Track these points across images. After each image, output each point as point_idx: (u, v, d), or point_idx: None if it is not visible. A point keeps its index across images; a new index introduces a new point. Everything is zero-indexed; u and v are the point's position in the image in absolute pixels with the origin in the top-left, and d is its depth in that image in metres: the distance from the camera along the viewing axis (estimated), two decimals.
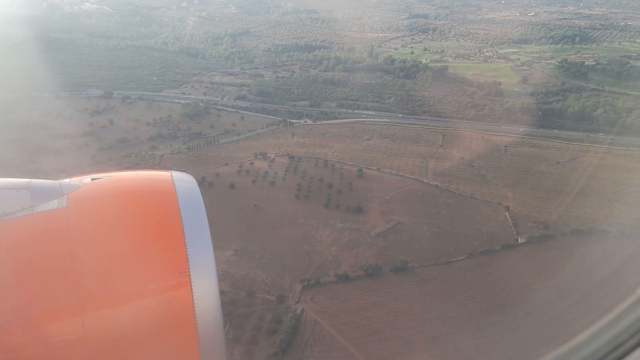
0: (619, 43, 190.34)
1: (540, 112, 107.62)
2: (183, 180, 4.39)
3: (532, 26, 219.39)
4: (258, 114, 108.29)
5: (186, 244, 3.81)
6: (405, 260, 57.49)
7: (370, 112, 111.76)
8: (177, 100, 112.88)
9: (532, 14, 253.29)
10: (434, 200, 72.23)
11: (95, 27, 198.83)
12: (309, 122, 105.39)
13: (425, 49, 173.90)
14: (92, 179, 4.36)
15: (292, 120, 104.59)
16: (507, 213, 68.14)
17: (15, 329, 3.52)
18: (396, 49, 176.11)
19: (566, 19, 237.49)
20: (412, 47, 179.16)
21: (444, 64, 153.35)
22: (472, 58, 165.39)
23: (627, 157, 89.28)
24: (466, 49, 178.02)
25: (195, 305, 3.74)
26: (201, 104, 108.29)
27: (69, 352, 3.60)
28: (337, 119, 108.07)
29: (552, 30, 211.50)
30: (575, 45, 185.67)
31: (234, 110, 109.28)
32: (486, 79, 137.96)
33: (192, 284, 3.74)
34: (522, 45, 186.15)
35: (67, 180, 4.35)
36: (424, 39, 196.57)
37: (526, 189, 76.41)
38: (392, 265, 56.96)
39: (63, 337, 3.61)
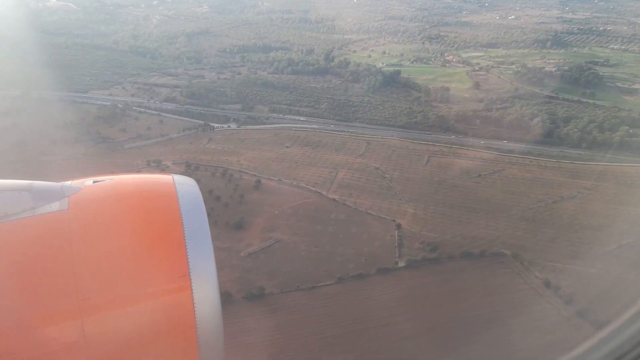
0: (590, 48, 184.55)
1: (478, 120, 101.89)
2: (185, 184, 4.35)
3: (506, 30, 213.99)
4: (181, 117, 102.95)
5: (187, 247, 3.79)
6: (262, 286, 51.95)
7: (302, 118, 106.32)
8: (99, 102, 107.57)
9: (513, 17, 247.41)
10: (325, 215, 66.70)
11: (56, 24, 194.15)
12: (233, 126, 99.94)
13: (384, 52, 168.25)
14: (94, 182, 4.33)
15: (214, 125, 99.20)
16: (396, 232, 62.52)
17: (14, 331, 3.47)
18: (355, 51, 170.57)
19: (546, 23, 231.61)
20: (373, 50, 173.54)
21: (397, 68, 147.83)
22: (430, 62, 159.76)
23: (555, 170, 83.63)
24: (429, 53, 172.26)
25: (195, 309, 3.71)
26: (119, 106, 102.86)
27: (68, 356, 3.53)
28: (265, 124, 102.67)
29: (526, 34, 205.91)
30: (544, 50, 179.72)
31: (156, 113, 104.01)
32: (436, 84, 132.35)
33: (193, 288, 3.70)
34: (488, 49, 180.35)
35: (68, 183, 4.30)
36: (390, 41, 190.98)
37: (431, 204, 70.82)
38: (248, 292, 51.44)
39: (62, 340, 3.53)
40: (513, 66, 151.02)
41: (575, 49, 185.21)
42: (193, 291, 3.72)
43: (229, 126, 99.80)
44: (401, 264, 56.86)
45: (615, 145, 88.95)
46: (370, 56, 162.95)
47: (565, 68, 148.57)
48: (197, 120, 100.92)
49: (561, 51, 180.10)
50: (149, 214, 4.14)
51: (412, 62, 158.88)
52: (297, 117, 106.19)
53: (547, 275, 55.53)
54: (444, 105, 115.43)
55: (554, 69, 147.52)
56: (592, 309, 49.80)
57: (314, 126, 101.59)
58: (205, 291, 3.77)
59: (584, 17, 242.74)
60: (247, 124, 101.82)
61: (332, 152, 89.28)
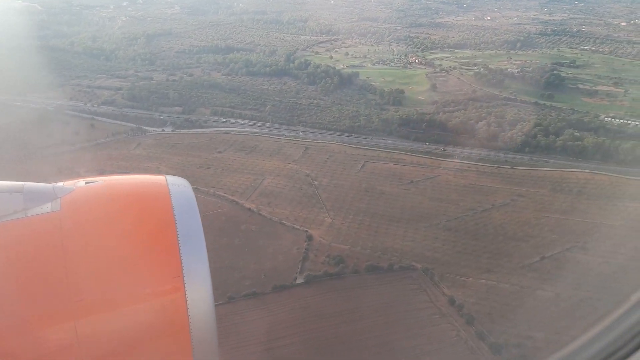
0: (558, 49, 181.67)
1: (424, 124, 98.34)
2: (178, 185, 4.31)
3: (479, 31, 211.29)
4: (115, 121, 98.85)
5: (180, 248, 3.77)
6: None
7: (245, 121, 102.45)
8: (33, 105, 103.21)
9: (489, 18, 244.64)
10: (234, 226, 62.84)
11: (19, 25, 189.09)
12: (168, 130, 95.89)
13: (347, 54, 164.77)
14: (87, 182, 4.29)
15: (148, 129, 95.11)
16: (305, 244, 58.70)
17: (8, 332, 3.44)
18: (318, 53, 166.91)
19: (521, 24, 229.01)
20: (337, 51, 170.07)
21: (357, 70, 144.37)
22: (392, 64, 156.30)
23: (493, 175, 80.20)
24: (393, 54, 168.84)
25: (188, 310, 3.68)
26: (50, 109, 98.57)
27: (61, 357, 3.51)
28: (203, 127, 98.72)
29: (497, 35, 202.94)
30: (511, 52, 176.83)
31: (89, 116, 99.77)
32: (394, 87, 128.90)
33: (186, 289, 3.68)
34: (456, 51, 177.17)
35: (60, 184, 4.26)
36: (357, 43, 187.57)
37: (352, 213, 67.12)
38: None
39: (55, 342, 3.51)
40: (475, 67, 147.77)
41: (544, 50, 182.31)
42: (186, 292, 3.66)
43: (163, 130, 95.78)
44: (300, 280, 53.04)
45: (558, 149, 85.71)
46: (332, 57, 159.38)
47: (529, 69, 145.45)
48: (131, 124, 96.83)
49: (529, 52, 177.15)
50: (142, 215, 4.08)
51: (374, 64, 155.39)
52: (239, 121, 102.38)
53: (455, 292, 51.92)
54: (394, 108, 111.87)
55: (517, 71, 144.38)
56: (493, 330, 46.25)
57: (254, 130, 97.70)
58: (198, 292, 3.71)
59: (560, 19, 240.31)
60: (184, 127, 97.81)
61: (266, 158, 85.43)
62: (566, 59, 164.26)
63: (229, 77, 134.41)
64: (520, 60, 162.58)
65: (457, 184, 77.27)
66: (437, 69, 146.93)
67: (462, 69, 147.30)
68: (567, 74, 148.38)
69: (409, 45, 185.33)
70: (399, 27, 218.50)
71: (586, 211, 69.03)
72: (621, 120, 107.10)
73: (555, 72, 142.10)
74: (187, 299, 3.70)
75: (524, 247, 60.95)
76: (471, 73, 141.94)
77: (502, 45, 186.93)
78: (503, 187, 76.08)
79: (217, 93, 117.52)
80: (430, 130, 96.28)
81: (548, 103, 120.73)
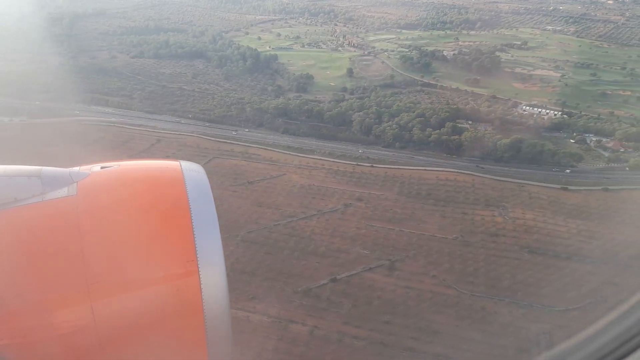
0: (517, 29, 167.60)
1: (304, 115, 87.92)
2: (192, 170, 4.31)
3: (441, 9, 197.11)
4: None
5: (194, 232, 3.74)
6: None
7: (111, 109, 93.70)
8: None
9: None
10: None
11: None
12: (17, 120, 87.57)
13: (279, 35, 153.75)
14: (102, 167, 4.31)
15: None
16: None
17: (25, 314, 3.51)
18: (248, 33, 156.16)
19: (496, 2, 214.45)
20: (272, 32, 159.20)
21: (282, 52, 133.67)
22: (324, 46, 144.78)
23: (346, 175, 70.04)
24: (334, 35, 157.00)
25: (202, 293, 3.67)
26: None
27: (78, 338, 3.56)
28: (62, 116, 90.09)
29: (461, 14, 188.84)
30: (464, 31, 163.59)
31: None
32: (312, 71, 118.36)
33: (200, 273, 3.67)
34: (404, 31, 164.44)
35: (77, 169, 4.27)
36: (301, 23, 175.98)
37: None
38: None
39: (72, 323, 3.56)
40: (407, 50, 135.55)
41: (502, 30, 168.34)
42: (200, 275, 3.66)
43: (11, 120, 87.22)
44: None
45: (431, 144, 74.88)
46: (260, 39, 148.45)
47: (466, 51, 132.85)
48: None
49: (484, 32, 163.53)
50: (157, 200, 4.09)
51: (304, 46, 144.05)
52: (105, 109, 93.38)
53: None
54: (294, 96, 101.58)
55: (453, 53, 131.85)
56: None
57: (113, 119, 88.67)
58: (212, 276, 3.70)
59: None
60: (40, 117, 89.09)
61: (107, 151, 76.03)
62: (519, 39, 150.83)
63: (134, 60, 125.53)
64: (470, 42, 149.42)
65: (299, 184, 67.45)
66: (366, 52, 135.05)
67: (393, 51, 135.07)
68: (512, 56, 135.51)
69: (356, 25, 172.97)
70: (360, 5, 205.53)
71: (423, 220, 58.83)
72: (537, 110, 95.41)
73: (493, 55, 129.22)
74: (201, 282, 3.64)
75: (319, 265, 51.30)
76: (398, 56, 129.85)
77: (460, 24, 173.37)
78: (346, 189, 65.98)
79: (101, 78, 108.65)
80: (306, 122, 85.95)
81: (470, 89, 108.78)
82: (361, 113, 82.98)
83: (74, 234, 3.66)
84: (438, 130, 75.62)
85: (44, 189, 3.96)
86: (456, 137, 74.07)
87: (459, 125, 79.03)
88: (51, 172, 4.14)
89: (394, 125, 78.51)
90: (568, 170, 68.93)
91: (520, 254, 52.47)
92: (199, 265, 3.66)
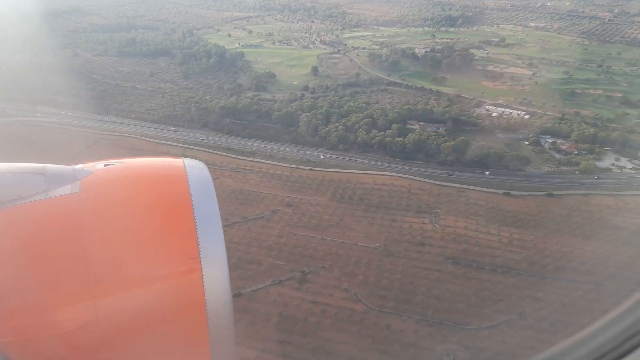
0: (497, 26, 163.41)
1: (253, 116, 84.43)
2: (195, 168, 4.29)
3: (425, 6, 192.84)
4: None
5: (197, 230, 3.74)
6: None
7: (54, 110, 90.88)
8: None
9: None
10: None
11: None
12: None
13: (250, 32, 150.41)
14: (106, 165, 4.30)
15: None
16: None
17: (28, 311, 3.49)
18: (219, 30, 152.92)
19: None
20: (245, 28, 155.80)
21: (249, 50, 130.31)
22: (295, 43, 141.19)
23: (283, 179, 66.71)
24: (307, 33, 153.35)
25: (205, 291, 3.66)
26: None
27: (81, 335, 3.55)
28: (2, 117, 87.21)
29: (445, 11, 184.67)
30: (443, 28, 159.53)
31: None
32: (277, 69, 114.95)
33: (203, 270, 3.66)
34: (381, 28, 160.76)
35: (80, 166, 4.27)
36: (277, 20, 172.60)
37: None
38: None
39: (75, 320, 3.54)
40: (378, 47, 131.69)
41: (483, 27, 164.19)
42: (203, 273, 3.65)
43: None
44: None
45: (375, 146, 71.27)
46: (230, 36, 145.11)
47: (438, 49, 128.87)
48: None
49: (463, 29, 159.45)
50: (160, 197, 4.09)
51: (275, 43, 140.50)
52: (49, 109, 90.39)
53: None
54: (252, 95, 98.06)
55: (424, 51, 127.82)
56: None
57: (54, 120, 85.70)
58: (215, 273, 3.70)
59: None
60: None
61: (38, 155, 73.20)
62: (497, 37, 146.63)
63: (96, 58, 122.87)
64: (446, 39, 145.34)
65: (229, 189, 64.05)
66: (336, 50, 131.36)
67: (364, 49, 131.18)
68: (487, 54, 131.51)
69: (335, 22, 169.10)
70: (343, 3, 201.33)
71: (349, 227, 55.31)
72: (500, 109, 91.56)
73: (465, 52, 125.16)
74: (204, 280, 3.63)
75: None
76: (366, 54, 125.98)
77: (441, 21, 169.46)
78: (278, 194, 62.50)
79: (56, 77, 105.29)
80: (255, 122, 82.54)
81: (435, 87, 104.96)
82: (309, 113, 79.37)
83: (77, 231, 3.61)
84: (383, 132, 71.90)
85: (47, 186, 3.90)
86: (400, 139, 70.32)
87: (409, 127, 75.30)
88: (55, 170, 4.09)
89: (340, 127, 74.92)
90: (487, 173, 65.34)
91: (443, 265, 48.81)
92: (201, 263, 3.61)
